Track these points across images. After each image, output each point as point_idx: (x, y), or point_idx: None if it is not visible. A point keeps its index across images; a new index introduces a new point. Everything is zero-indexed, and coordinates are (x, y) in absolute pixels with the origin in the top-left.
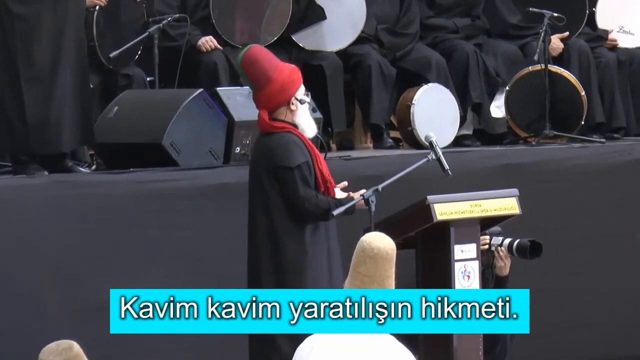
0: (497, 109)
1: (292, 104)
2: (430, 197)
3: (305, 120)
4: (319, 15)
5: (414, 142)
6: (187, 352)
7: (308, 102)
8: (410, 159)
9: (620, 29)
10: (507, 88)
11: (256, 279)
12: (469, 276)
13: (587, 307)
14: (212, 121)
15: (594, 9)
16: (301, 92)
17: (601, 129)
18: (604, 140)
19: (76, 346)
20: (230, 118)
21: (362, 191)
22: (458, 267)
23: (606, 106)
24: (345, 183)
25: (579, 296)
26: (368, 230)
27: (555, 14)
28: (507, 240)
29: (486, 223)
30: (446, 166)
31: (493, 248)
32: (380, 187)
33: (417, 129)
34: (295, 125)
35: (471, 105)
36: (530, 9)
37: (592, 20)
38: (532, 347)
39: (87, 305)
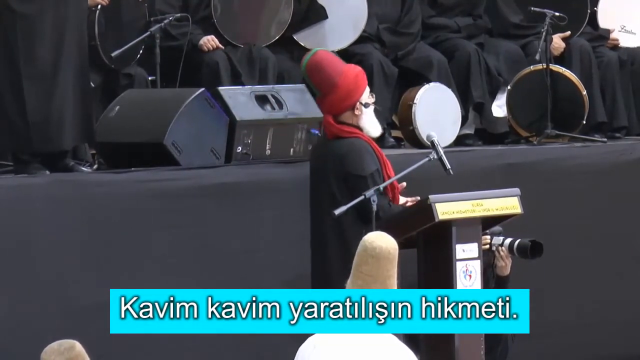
0: (499, 108)
1: (357, 108)
2: (431, 197)
3: (369, 122)
4: (321, 14)
5: (415, 141)
6: (187, 352)
7: (372, 104)
8: (412, 158)
9: (622, 29)
10: (509, 87)
11: (324, 282)
12: (470, 276)
13: (588, 307)
14: (214, 120)
15: (595, 8)
16: (366, 95)
17: (603, 129)
18: (605, 139)
19: (78, 345)
20: (232, 117)
21: (417, 198)
22: (460, 267)
23: (608, 106)
24: (405, 184)
25: (580, 296)
26: (370, 229)
27: (557, 14)
28: (508, 240)
29: (488, 222)
30: (448, 165)
31: (494, 248)
32: (381, 186)
33: (418, 128)
34: (359, 129)
35: (473, 105)
36: (532, 8)
37: (593, 20)
38: (531, 347)
39: (88, 304)
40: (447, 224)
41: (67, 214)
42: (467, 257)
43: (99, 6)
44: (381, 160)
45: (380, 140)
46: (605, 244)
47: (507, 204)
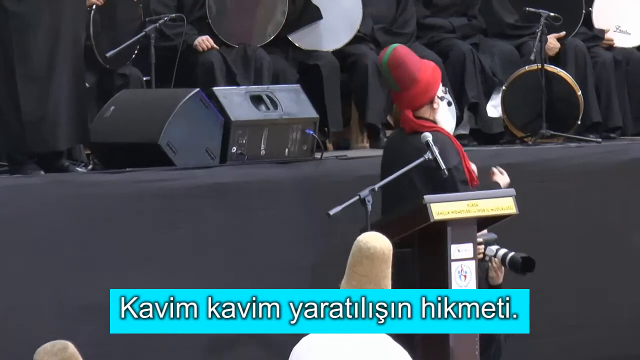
0: (494, 108)
1: (435, 102)
2: (427, 197)
3: (445, 116)
4: (315, 15)
5: None
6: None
7: (447, 98)
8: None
9: (617, 29)
10: (504, 88)
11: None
12: (465, 276)
13: (583, 307)
14: (209, 121)
15: (590, 8)
16: (441, 89)
17: (598, 129)
18: (600, 140)
19: (71, 346)
20: (227, 118)
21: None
22: (455, 267)
23: (603, 106)
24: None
25: (575, 296)
26: (364, 229)
27: (552, 14)
28: (502, 252)
29: (483, 222)
30: (443, 166)
31: (487, 258)
32: (376, 186)
33: None
34: (435, 122)
35: (468, 105)
36: (527, 8)
37: (588, 20)
38: (527, 347)
39: (84, 305)
40: (442, 224)
41: (62, 214)
42: (462, 258)
43: (94, 6)
44: (461, 153)
45: (375, 140)
46: (601, 244)
47: (503, 204)
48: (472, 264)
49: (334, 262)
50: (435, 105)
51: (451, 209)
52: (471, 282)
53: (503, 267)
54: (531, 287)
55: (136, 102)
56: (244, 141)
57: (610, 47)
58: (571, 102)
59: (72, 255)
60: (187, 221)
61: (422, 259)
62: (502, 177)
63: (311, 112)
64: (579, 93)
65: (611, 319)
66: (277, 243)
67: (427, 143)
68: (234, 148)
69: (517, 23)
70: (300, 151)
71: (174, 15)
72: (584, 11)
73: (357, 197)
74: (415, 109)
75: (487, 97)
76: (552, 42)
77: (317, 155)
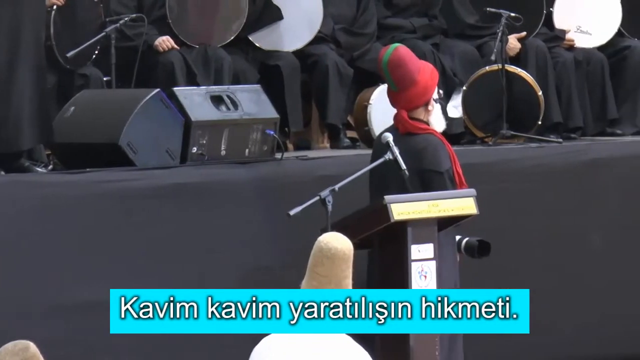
0: (454, 109)
1: (430, 104)
2: (387, 197)
3: (437, 118)
4: (276, 15)
5: (371, 142)
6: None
7: (440, 100)
8: (367, 159)
9: (578, 29)
10: (464, 88)
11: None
12: (425, 276)
13: (542, 307)
14: (169, 121)
15: (551, 9)
16: (436, 91)
17: (558, 129)
18: (561, 140)
19: (33, 346)
20: (187, 118)
21: None
22: (415, 267)
23: (563, 106)
24: None
25: (534, 296)
26: (325, 230)
27: (513, 14)
28: (456, 238)
29: (443, 223)
30: (403, 166)
31: None
32: (337, 187)
33: (374, 129)
34: (428, 124)
35: None
36: (488, 8)
37: (549, 20)
38: (479, 347)
39: (44, 304)
40: (403, 224)
41: (22, 214)
42: (422, 258)
43: (55, 6)
44: (452, 157)
45: (336, 140)
46: (560, 245)
47: (463, 204)
48: (433, 264)
49: (294, 262)
50: (430, 108)
51: (412, 209)
52: (431, 283)
53: (459, 255)
54: (490, 287)
55: (97, 103)
56: (204, 141)
57: (571, 48)
58: (532, 102)
59: (32, 255)
60: (147, 221)
61: (382, 259)
62: None
63: (272, 113)
64: (540, 93)
65: (570, 320)
66: (238, 243)
67: (387, 143)
68: (195, 148)
69: (477, 23)
70: (261, 151)
71: (134, 15)
72: (544, 11)
73: (317, 198)
74: (410, 109)
75: (448, 98)
76: (513, 43)
77: (278, 155)
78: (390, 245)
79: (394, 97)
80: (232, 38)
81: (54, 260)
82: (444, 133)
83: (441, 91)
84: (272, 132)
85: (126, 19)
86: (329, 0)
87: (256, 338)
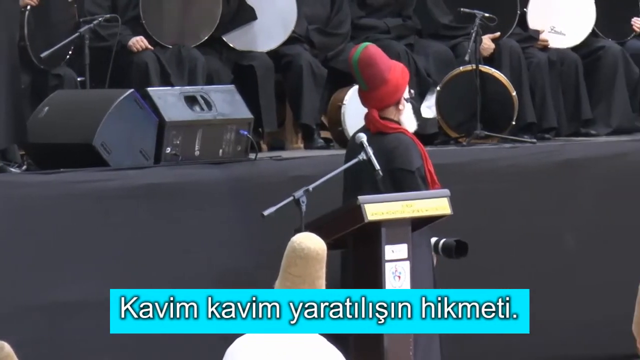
0: (428, 109)
1: (401, 103)
2: (361, 197)
3: (408, 118)
4: (250, 15)
5: (344, 142)
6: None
7: (411, 99)
8: (341, 159)
9: (552, 30)
10: (438, 88)
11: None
12: (399, 277)
13: None
14: (143, 121)
15: (525, 9)
16: (407, 90)
17: (532, 129)
18: (535, 140)
19: (7, 347)
20: (161, 118)
21: None
22: (389, 268)
23: (537, 106)
24: None
25: None
26: (299, 230)
27: (487, 14)
28: (433, 240)
29: (417, 223)
30: (377, 167)
31: None
32: (311, 187)
33: (348, 129)
34: (399, 124)
35: None
36: (462, 9)
37: (523, 21)
38: (460, 347)
39: (18, 305)
40: (377, 224)
41: None
42: (396, 258)
43: (28, 7)
44: (423, 156)
45: (309, 140)
46: (534, 245)
47: (437, 204)
48: (407, 265)
49: (268, 262)
50: (401, 107)
51: (386, 209)
52: (405, 283)
53: (435, 256)
54: (466, 287)
55: (70, 103)
56: (178, 142)
57: (545, 48)
58: (506, 102)
59: (5, 255)
60: (121, 222)
61: (356, 259)
62: None
63: (245, 113)
64: (514, 94)
65: (542, 320)
66: (211, 244)
67: (361, 144)
68: (168, 148)
69: (451, 24)
70: (235, 152)
71: (108, 15)
72: (518, 12)
73: (291, 198)
74: (381, 109)
75: (422, 98)
76: (487, 43)
77: (252, 155)
78: (364, 246)
79: (365, 97)
80: (206, 38)
81: (27, 260)
82: (417, 133)
83: (412, 90)
84: (246, 133)
85: (100, 19)
86: (303, 0)
87: None
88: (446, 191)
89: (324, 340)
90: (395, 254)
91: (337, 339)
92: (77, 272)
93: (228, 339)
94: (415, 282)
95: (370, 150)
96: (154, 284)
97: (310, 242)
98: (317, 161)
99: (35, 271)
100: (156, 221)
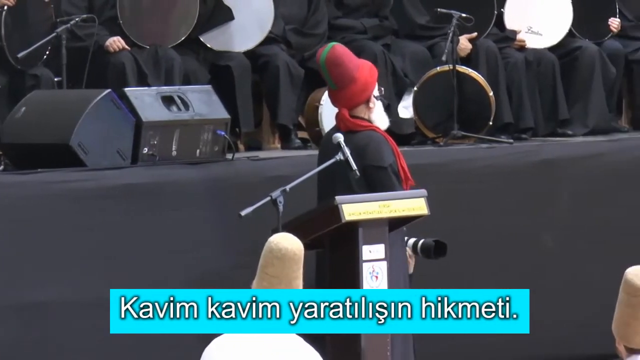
0: (405, 109)
1: (371, 101)
2: (338, 197)
3: (380, 115)
4: (227, 15)
5: None
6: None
7: (382, 97)
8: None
9: (529, 30)
10: (415, 89)
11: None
12: (377, 277)
13: None
14: (120, 121)
15: (502, 9)
16: (377, 88)
17: (509, 130)
18: (511, 140)
19: None
20: (138, 118)
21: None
22: (366, 268)
23: (514, 107)
24: None
25: None
26: (276, 230)
27: (464, 15)
28: (412, 240)
29: (395, 223)
30: (354, 167)
31: None
32: (288, 187)
33: (325, 129)
34: (370, 122)
35: None
36: (439, 9)
37: (500, 21)
38: (436, 346)
39: None
40: (354, 225)
41: None
42: (373, 259)
43: (5, 7)
44: (395, 152)
45: (287, 141)
46: (512, 245)
47: (414, 205)
48: (384, 265)
49: (245, 263)
50: (371, 105)
51: (363, 209)
52: (383, 283)
53: (414, 256)
54: (444, 287)
55: (47, 103)
56: (155, 142)
57: (522, 48)
58: (483, 103)
59: None
60: (98, 222)
61: (333, 259)
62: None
63: (222, 113)
64: (491, 94)
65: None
66: (189, 244)
67: (338, 144)
68: (146, 149)
69: (428, 24)
70: (212, 152)
71: (85, 15)
72: (495, 12)
73: (268, 198)
74: (351, 107)
75: (399, 98)
76: (464, 43)
77: (229, 156)
78: (341, 246)
79: (335, 96)
80: (183, 38)
81: (2, 260)
82: (394, 132)
83: (382, 88)
84: (223, 133)
85: (77, 19)
86: (280, 0)
87: None
88: (423, 191)
89: (301, 340)
90: (373, 254)
91: (314, 339)
92: (54, 272)
93: None
94: (392, 282)
95: (347, 151)
96: (131, 284)
97: (287, 243)
98: (295, 161)
99: (10, 271)
100: (133, 221)
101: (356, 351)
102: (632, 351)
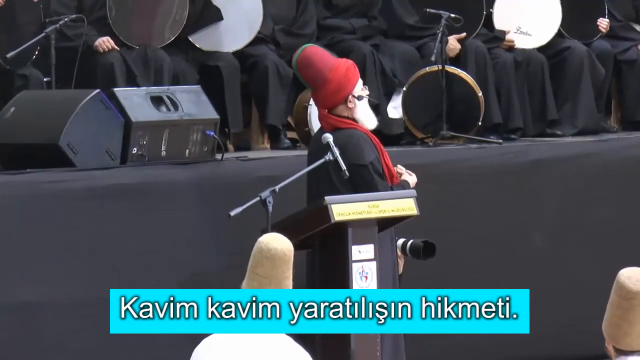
0: (394, 109)
1: (350, 101)
2: (327, 198)
3: (364, 115)
4: (216, 16)
5: None
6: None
7: (367, 97)
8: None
9: (518, 30)
10: (404, 89)
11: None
12: (366, 277)
13: None
14: (109, 122)
15: (491, 9)
16: (359, 88)
17: (498, 130)
18: (501, 141)
19: None
20: (127, 119)
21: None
22: (356, 268)
23: (503, 107)
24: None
25: None
26: (265, 231)
27: (453, 15)
28: (401, 241)
29: (384, 224)
30: (343, 167)
31: None
32: (277, 187)
33: (314, 129)
34: (355, 121)
35: None
36: (428, 9)
37: (489, 21)
38: (429, 346)
39: None
40: (343, 225)
41: None
42: (363, 259)
43: None
44: (379, 150)
45: (276, 141)
46: (501, 245)
47: (403, 205)
48: (373, 265)
49: (235, 263)
50: (350, 105)
51: (352, 209)
52: (372, 283)
53: (403, 257)
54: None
55: (36, 103)
56: (144, 142)
57: (511, 49)
58: (472, 103)
59: None
60: (87, 222)
61: (323, 259)
62: (410, 177)
63: (212, 113)
64: (480, 94)
65: None
66: (178, 244)
67: (327, 144)
68: (135, 149)
69: (417, 24)
70: (201, 152)
71: (74, 16)
72: (484, 12)
73: (257, 198)
74: (330, 108)
75: (388, 98)
76: (453, 43)
77: (218, 156)
78: (331, 246)
79: (313, 97)
80: (172, 39)
81: None
82: (383, 133)
83: (365, 86)
84: (212, 133)
85: (66, 19)
86: (269, 0)
87: None
88: (413, 192)
89: (291, 340)
90: (362, 254)
91: (303, 339)
92: (42, 272)
93: None
94: (381, 282)
95: (337, 151)
96: (120, 284)
97: (277, 243)
98: (284, 162)
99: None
100: (122, 222)
101: (346, 351)
102: (620, 352)
